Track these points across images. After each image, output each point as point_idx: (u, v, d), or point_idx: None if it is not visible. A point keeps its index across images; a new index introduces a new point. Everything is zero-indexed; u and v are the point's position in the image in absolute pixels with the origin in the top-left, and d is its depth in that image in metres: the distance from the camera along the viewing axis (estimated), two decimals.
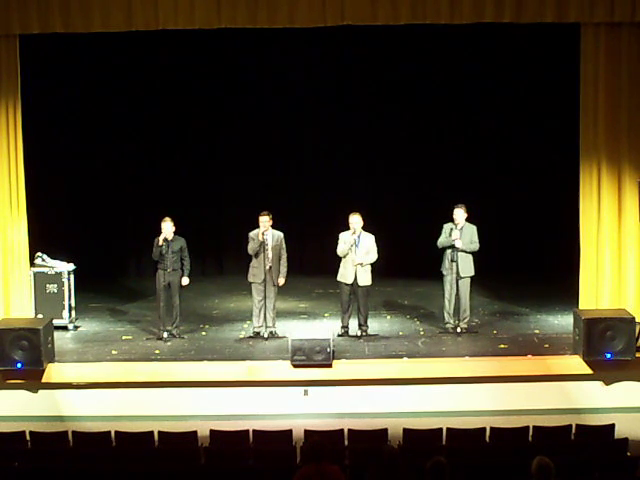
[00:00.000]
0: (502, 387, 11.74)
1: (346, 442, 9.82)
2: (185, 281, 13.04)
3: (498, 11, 12.30)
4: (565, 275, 14.17)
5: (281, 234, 12.90)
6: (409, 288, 15.70)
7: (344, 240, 12.76)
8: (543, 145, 15.95)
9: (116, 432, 9.96)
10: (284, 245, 12.92)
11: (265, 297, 12.79)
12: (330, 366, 11.78)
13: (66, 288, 13.41)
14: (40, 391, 11.79)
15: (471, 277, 12.95)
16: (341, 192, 15.85)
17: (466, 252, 12.87)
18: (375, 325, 13.33)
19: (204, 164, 16.45)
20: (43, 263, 13.50)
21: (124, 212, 16.49)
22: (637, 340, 11.87)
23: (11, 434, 9.96)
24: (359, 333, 12.94)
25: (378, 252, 12.81)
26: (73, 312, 13.56)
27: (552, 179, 15.72)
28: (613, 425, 9.85)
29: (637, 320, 11.94)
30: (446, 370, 11.83)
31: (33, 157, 13.37)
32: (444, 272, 12.95)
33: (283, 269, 12.93)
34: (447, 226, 12.93)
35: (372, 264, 12.84)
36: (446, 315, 13.08)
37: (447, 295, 12.98)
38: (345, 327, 12.99)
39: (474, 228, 12.94)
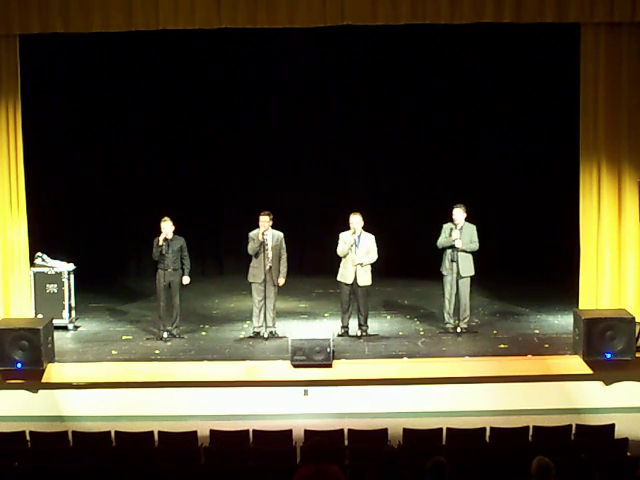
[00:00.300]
0: (502, 387, 11.74)
1: (346, 442, 9.82)
2: (186, 280, 13.05)
3: (498, 11, 12.30)
4: (565, 275, 14.17)
5: (281, 234, 12.90)
6: (409, 288, 15.70)
7: (344, 240, 12.76)
8: (543, 145, 15.96)
9: (116, 432, 9.96)
10: (284, 245, 12.92)
11: (265, 297, 12.79)
12: (330, 366, 11.78)
13: (66, 288, 13.41)
14: (40, 391, 11.79)
15: (471, 277, 12.96)
16: (341, 192, 15.85)
17: (466, 252, 12.88)
18: (375, 325, 13.33)
19: (204, 164, 16.44)
20: (43, 263, 13.50)
21: (124, 212, 16.48)
22: (637, 340, 11.87)
23: (11, 434, 9.96)
24: (359, 333, 12.94)
25: (378, 252, 12.82)
26: (73, 312, 13.56)
27: (552, 179, 15.72)
28: (613, 425, 9.85)
29: (637, 320, 11.95)
30: (446, 370, 11.83)
31: (33, 157, 13.37)
32: (444, 272, 12.95)
33: (283, 269, 12.93)
34: (447, 226, 12.93)
35: (372, 264, 12.84)
36: (446, 315, 13.08)
37: (447, 295, 12.98)
38: (345, 327, 12.99)
39: (474, 228, 12.95)
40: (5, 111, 12.67)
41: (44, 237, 13.95)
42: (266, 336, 12.83)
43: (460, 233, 12.83)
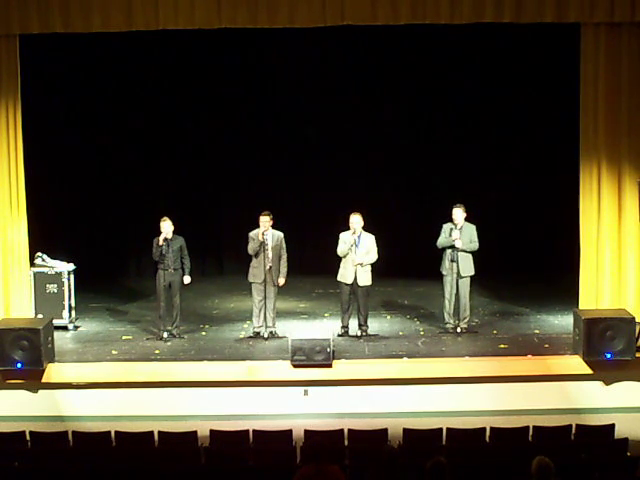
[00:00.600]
0: (502, 387, 11.74)
1: (346, 442, 9.82)
2: (187, 280, 13.05)
3: (498, 11, 12.30)
4: (565, 275, 14.16)
5: (281, 234, 12.90)
6: (409, 288, 15.70)
7: (344, 240, 12.76)
8: (543, 145, 15.96)
9: (116, 432, 9.96)
10: (284, 245, 12.92)
11: (265, 297, 12.79)
12: (330, 366, 11.78)
13: (66, 288, 13.41)
14: (40, 391, 11.78)
15: (471, 277, 12.96)
16: (341, 192, 15.84)
17: (466, 252, 12.88)
18: (375, 325, 13.33)
19: (204, 164, 16.45)
20: (43, 263, 13.50)
21: (124, 212, 16.48)
22: (637, 340, 11.87)
23: (11, 434, 9.97)
24: (359, 333, 12.94)
25: (378, 252, 12.82)
26: (73, 312, 13.56)
27: (552, 179, 15.72)
28: (613, 425, 9.86)
29: (637, 320, 11.95)
30: (446, 370, 11.82)
31: (33, 157, 13.37)
32: (444, 272, 12.95)
33: (283, 269, 12.93)
34: (446, 226, 12.93)
35: (372, 264, 12.84)
36: (446, 315, 13.08)
37: (447, 295, 12.97)
38: (345, 327, 12.99)
39: (473, 228, 12.95)
40: (5, 111, 12.67)
41: (44, 237, 13.95)
42: (266, 336, 12.83)
43: (460, 233, 12.83)
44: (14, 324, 12.11)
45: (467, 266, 12.90)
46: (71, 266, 13.60)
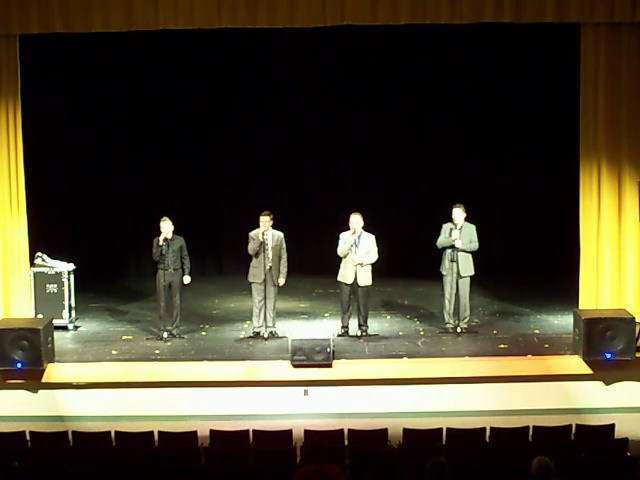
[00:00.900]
0: (502, 387, 11.74)
1: (346, 442, 9.82)
2: (187, 280, 13.05)
3: (498, 11, 12.29)
4: (565, 275, 14.17)
5: (281, 234, 12.90)
6: (409, 288, 15.70)
7: (344, 240, 12.76)
8: (543, 145, 15.95)
9: (116, 432, 9.96)
10: (284, 245, 12.92)
11: (265, 297, 12.79)
12: (330, 366, 11.78)
13: (66, 288, 13.41)
14: (40, 391, 11.78)
15: (471, 277, 12.96)
16: (341, 192, 15.85)
17: (466, 252, 12.88)
18: (375, 325, 13.33)
19: (204, 164, 16.45)
20: (43, 263, 13.50)
21: (124, 212, 16.49)
22: (637, 340, 11.87)
23: (11, 434, 9.97)
24: (359, 333, 12.94)
25: (378, 252, 12.81)
26: (73, 312, 13.56)
27: (552, 179, 15.72)
28: (613, 425, 9.85)
29: (637, 320, 11.94)
30: (446, 370, 11.82)
31: (33, 157, 13.36)
32: (444, 272, 12.95)
33: (283, 269, 12.93)
34: (446, 226, 12.93)
35: (372, 264, 12.84)
36: (446, 315, 13.08)
37: (447, 295, 12.97)
38: (345, 327, 12.99)
39: (473, 227, 12.95)
40: (5, 111, 12.66)
41: (44, 237, 13.95)
42: (266, 336, 12.82)
43: (460, 233, 12.83)
44: (14, 324, 12.11)
45: (467, 266, 12.90)
46: (71, 266, 13.60)
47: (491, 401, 11.69)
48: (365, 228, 12.80)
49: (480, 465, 8.86)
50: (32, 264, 13.29)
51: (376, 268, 12.97)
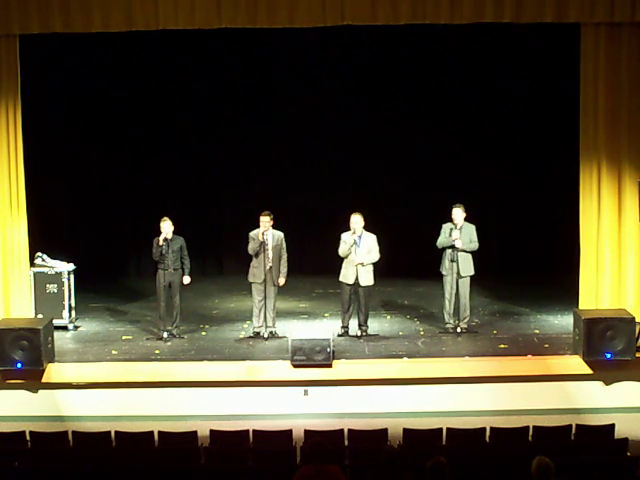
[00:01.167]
0: (502, 387, 11.74)
1: (346, 442, 9.82)
2: (187, 280, 13.05)
3: (498, 11, 12.29)
4: (565, 275, 14.16)
5: (281, 234, 12.90)
6: (409, 288, 15.69)
7: (345, 240, 12.76)
8: (543, 145, 15.96)
9: (116, 432, 9.96)
10: (284, 245, 12.92)
11: (265, 297, 12.79)
12: (330, 366, 11.78)
13: (66, 288, 13.41)
14: (40, 391, 11.78)
15: (471, 277, 12.96)
16: (341, 192, 15.86)
17: (466, 252, 12.88)
18: (375, 325, 13.33)
19: (204, 164, 16.45)
20: (43, 263, 13.50)
21: (124, 212, 16.49)
22: (637, 340, 11.87)
23: (11, 434, 9.97)
24: (359, 333, 12.94)
25: (379, 252, 12.81)
26: (73, 312, 13.56)
27: (552, 179, 15.72)
28: (613, 425, 9.86)
29: (637, 320, 11.94)
30: (446, 370, 11.82)
31: (33, 157, 13.37)
32: (444, 272, 12.95)
33: (283, 269, 12.93)
34: (446, 226, 12.93)
35: (374, 264, 12.84)
36: (446, 315, 13.08)
37: (447, 295, 12.97)
38: (345, 327, 12.99)
39: (473, 227, 12.95)
40: (5, 111, 12.66)
41: (44, 237, 13.96)
42: (266, 336, 12.82)
43: (460, 233, 12.83)
44: (14, 324, 12.11)
45: (467, 266, 12.91)
46: (71, 266, 13.60)
47: (491, 401, 11.69)
48: (365, 228, 12.79)
49: (480, 465, 8.87)
50: (32, 264, 13.29)
51: (376, 268, 12.96)
